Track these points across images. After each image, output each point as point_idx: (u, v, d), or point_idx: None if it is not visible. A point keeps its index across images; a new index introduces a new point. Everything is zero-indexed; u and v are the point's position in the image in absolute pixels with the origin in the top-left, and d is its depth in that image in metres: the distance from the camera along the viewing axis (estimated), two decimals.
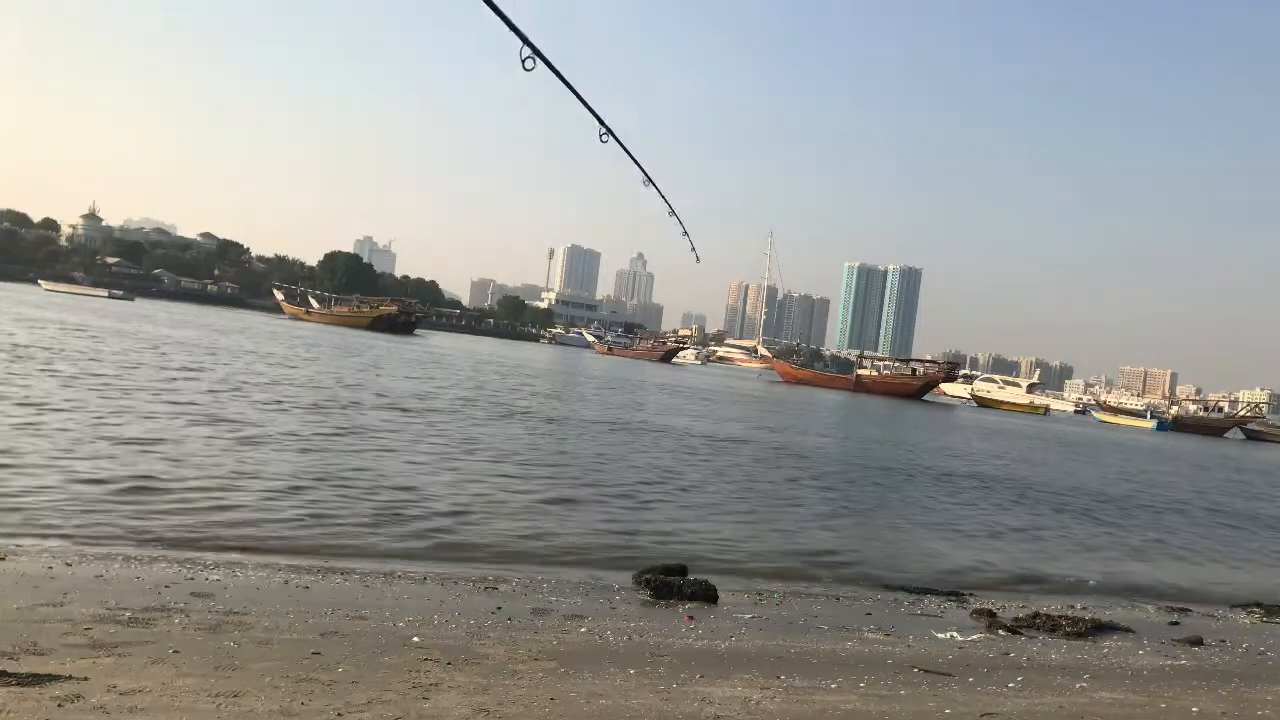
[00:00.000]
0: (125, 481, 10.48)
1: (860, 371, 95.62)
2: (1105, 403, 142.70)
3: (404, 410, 22.02)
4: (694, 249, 9.36)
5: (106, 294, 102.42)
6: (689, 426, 26.99)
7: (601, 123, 5.77)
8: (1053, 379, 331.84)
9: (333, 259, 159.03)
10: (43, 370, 21.50)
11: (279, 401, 20.78)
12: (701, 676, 5.73)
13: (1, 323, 37.11)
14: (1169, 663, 7.58)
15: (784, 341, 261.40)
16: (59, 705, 4.15)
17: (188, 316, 72.43)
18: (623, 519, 11.90)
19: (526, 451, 17.30)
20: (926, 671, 6.39)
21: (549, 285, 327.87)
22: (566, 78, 5.16)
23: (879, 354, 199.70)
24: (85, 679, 4.53)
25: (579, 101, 5.49)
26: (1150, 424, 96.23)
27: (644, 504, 13.13)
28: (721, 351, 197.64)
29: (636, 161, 6.57)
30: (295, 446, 14.62)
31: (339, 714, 4.39)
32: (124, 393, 18.93)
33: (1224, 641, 8.63)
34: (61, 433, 13.24)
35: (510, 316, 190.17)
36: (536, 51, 4.60)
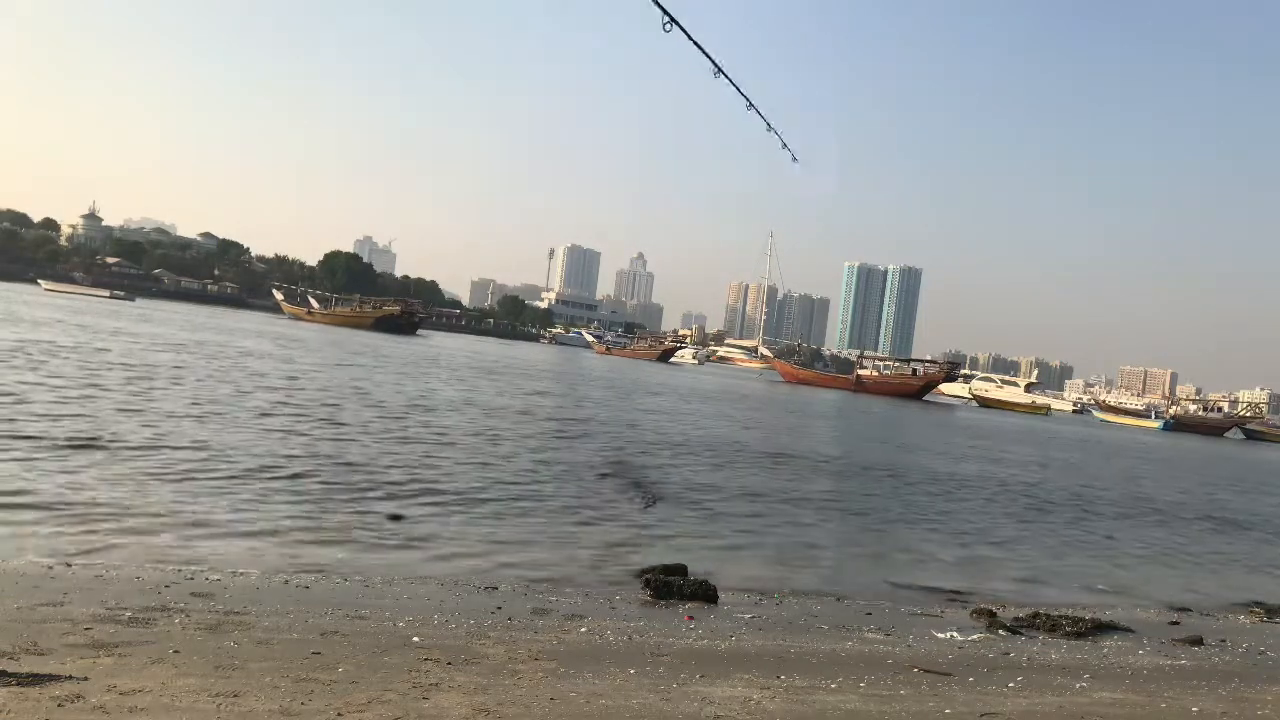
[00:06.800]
0: None
1: (860, 371, 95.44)
2: (1104, 402, 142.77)
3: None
4: (786, 145, 8.36)
5: (108, 294, 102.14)
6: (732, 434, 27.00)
7: (665, 11, 5.24)
8: (1053, 379, 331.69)
9: (333, 259, 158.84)
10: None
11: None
12: (701, 676, 5.72)
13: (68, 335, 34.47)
14: (1169, 663, 7.58)
15: (784, 341, 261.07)
16: (59, 705, 4.15)
17: (212, 320, 70.32)
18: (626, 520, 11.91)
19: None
20: (926, 671, 6.39)
21: (549, 285, 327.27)
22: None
23: (879, 354, 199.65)
24: (85, 679, 4.53)
25: None
26: (1156, 424, 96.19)
27: (649, 506, 13.14)
28: (722, 351, 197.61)
29: (705, 52, 5.94)
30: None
31: (339, 714, 4.39)
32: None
33: (1224, 641, 8.63)
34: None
35: (510, 316, 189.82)
36: None
